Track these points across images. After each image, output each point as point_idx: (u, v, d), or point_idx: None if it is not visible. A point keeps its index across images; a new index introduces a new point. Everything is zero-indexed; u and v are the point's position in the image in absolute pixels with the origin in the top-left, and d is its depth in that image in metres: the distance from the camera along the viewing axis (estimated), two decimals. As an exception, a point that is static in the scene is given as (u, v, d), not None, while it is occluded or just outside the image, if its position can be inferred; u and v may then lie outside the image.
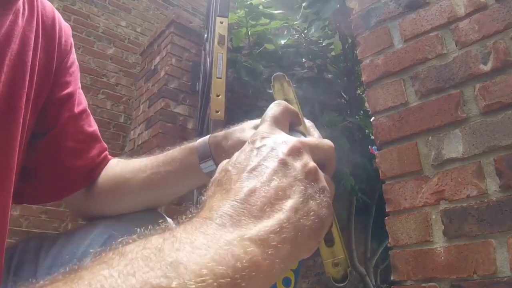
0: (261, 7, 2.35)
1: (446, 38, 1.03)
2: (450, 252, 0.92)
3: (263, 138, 0.31)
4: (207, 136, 0.53)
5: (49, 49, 0.53)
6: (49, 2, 0.56)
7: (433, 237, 0.96)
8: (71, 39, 0.60)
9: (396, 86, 1.10)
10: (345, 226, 3.06)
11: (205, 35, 2.38)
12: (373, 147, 1.19)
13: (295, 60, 2.76)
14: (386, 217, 1.06)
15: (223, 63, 1.48)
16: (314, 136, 0.39)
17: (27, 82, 0.47)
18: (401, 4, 1.13)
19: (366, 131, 2.89)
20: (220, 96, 1.39)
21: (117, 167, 0.60)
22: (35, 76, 0.49)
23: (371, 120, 1.14)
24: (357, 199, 2.78)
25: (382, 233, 1.14)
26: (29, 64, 0.47)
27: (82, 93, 0.61)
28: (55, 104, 0.55)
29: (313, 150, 0.31)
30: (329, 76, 2.95)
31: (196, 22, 2.73)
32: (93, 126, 0.61)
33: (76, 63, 0.61)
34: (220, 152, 0.50)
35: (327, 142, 0.34)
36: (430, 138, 1.01)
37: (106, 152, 0.63)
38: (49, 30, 0.54)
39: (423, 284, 0.95)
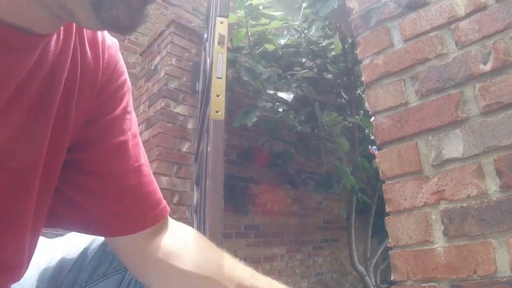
0: (261, 7, 2.35)
1: (446, 38, 1.03)
2: (450, 252, 0.92)
3: None
4: None
5: (95, 69, 0.47)
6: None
7: (433, 237, 0.96)
8: (118, 56, 0.52)
9: (396, 86, 1.10)
10: (345, 226, 3.06)
11: (205, 35, 2.38)
12: (373, 147, 1.20)
13: (295, 60, 2.76)
14: (386, 217, 1.06)
15: (223, 63, 1.48)
16: None
17: (50, 125, 0.42)
18: (401, 4, 1.13)
19: (366, 131, 2.89)
20: (220, 96, 1.39)
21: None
22: (72, 112, 0.44)
23: (371, 120, 1.14)
24: (357, 199, 2.78)
25: (382, 233, 1.14)
26: (57, 100, 0.42)
27: (130, 119, 0.52)
28: (96, 129, 0.48)
29: None
30: (329, 76, 2.96)
31: (196, 22, 2.73)
32: (136, 162, 0.51)
33: (128, 83, 0.53)
34: None
35: None
36: (430, 138, 1.01)
37: (161, 207, 0.53)
38: (92, 50, 0.47)
39: (423, 284, 0.95)
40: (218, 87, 1.41)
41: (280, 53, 2.58)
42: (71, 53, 0.43)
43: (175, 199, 2.31)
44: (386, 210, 1.06)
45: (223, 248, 0.55)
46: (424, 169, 1.01)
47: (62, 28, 0.41)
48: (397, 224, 1.02)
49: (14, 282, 0.44)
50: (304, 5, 2.29)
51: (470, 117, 0.95)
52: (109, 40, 0.51)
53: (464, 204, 0.92)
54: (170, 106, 2.43)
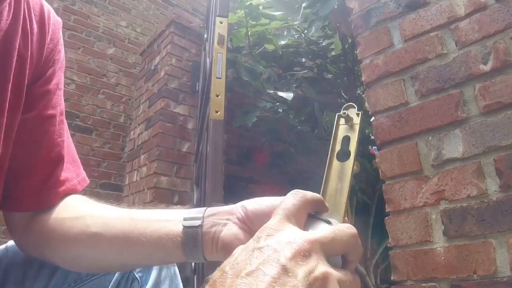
0: (261, 7, 2.35)
1: (446, 38, 1.03)
2: (450, 252, 0.92)
3: (268, 236, 0.28)
4: (200, 219, 0.43)
5: (40, 41, 0.51)
6: None
7: (433, 237, 0.96)
8: (60, 34, 0.56)
9: (396, 86, 1.10)
10: (345, 226, 3.06)
11: (205, 35, 2.38)
12: (373, 147, 1.19)
13: (295, 60, 2.76)
14: (386, 217, 1.06)
15: (222, 63, 1.48)
16: (336, 223, 0.34)
17: (9, 84, 0.44)
18: (401, 4, 1.13)
19: (366, 131, 2.89)
20: (219, 96, 1.39)
21: (85, 214, 0.49)
22: (26, 73, 0.47)
23: (371, 120, 1.14)
24: (357, 199, 2.78)
25: (382, 233, 1.14)
26: (13, 64, 0.44)
27: (60, 96, 0.54)
28: (30, 97, 0.49)
29: (328, 246, 0.28)
30: (329, 76, 2.95)
31: (196, 22, 2.73)
32: (59, 137, 0.52)
33: (62, 62, 0.56)
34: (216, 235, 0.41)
35: (347, 231, 0.30)
36: (430, 138, 1.01)
37: (71, 183, 0.53)
38: (38, 23, 0.51)
39: (423, 284, 0.95)
40: (218, 87, 1.41)
41: (280, 53, 2.57)
42: (21, 24, 0.46)
43: (175, 199, 2.31)
44: (386, 210, 1.06)
45: None
46: (424, 169, 1.01)
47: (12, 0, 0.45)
48: (397, 224, 1.02)
49: None
50: (304, 5, 2.29)
51: (470, 117, 0.95)
52: (53, 18, 0.54)
53: (464, 204, 0.92)
54: (170, 106, 2.43)
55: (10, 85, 0.44)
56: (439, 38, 1.04)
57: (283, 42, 2.47)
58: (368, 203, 2.93)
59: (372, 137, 1.37)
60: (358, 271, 2.76)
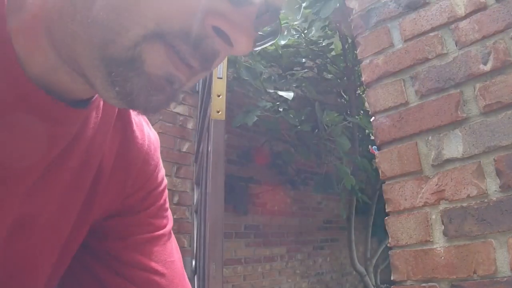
0: (261, 7, 2.35)
1: (446, 38, 1.03)
2: (450, 252, 0.92)
3: None
4: None
5: (130, 163, 0.46)
6: (140, 124, 0.47)
7: (433, 237, 0.96)
8: (159, 152, 0.51)
9: (396, 86, 1.10)
10: (345, 226, 3.06)
11: (205, 35, 2.37)
12: (373, 147, 1.20)
13: (295, 60, 2.76)
14: (386, 217, 1.06)
15: (223, 63, 1.48)
16: None
17: (82, 199, 0.41)
18: (401, 4, 1.13)
19: (366, 131, 2.89)
20: (221, 96, 1.40)
21: None
22: (98, 193, 0.43)
23: (371, 120, 1.15)
24: (357, 199, 2.78)
25: (382, 233, 1.14)
26: (89, 180, 0.41)
27: (167, 216, 0.52)
28: (140, 222, 0.48)
29: None
30: (329, 76, 2.96)
31: (196, 22, 2.73)
32: (178, 253, 0.51)
33: (165, 181, 0.53)
34: None
35: None
36: (430, 138, 1.01)
37: None
38: (133, 143, 0.46)
39: (423, 284, 0.95)
40: (219, 87, 1.41)
41: (280, 53, 2.58)
42: (110, 134, 0.42)
43: (175, 199, 2.31)
44: (386, 210, 1.06)
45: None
46: (424, 169, 1.01)
47: (101, 106, 0.40)
48: (397, 224, 1.02)
49: None
50: (304, 5, 2.29)
51: (470, 117, 0.95)
52: (153, 135, 0.50)
53: (464, 204, 0.92)
54: (170, 106, 2.43)
55: (83, 197, 0.41)
56: (439, 38, 1.04)
57: (283, 42, 2.47)
58: (368, 203, 2.93)
59: (372, 137, 1.37)
60: (358, 271, 2.76)
